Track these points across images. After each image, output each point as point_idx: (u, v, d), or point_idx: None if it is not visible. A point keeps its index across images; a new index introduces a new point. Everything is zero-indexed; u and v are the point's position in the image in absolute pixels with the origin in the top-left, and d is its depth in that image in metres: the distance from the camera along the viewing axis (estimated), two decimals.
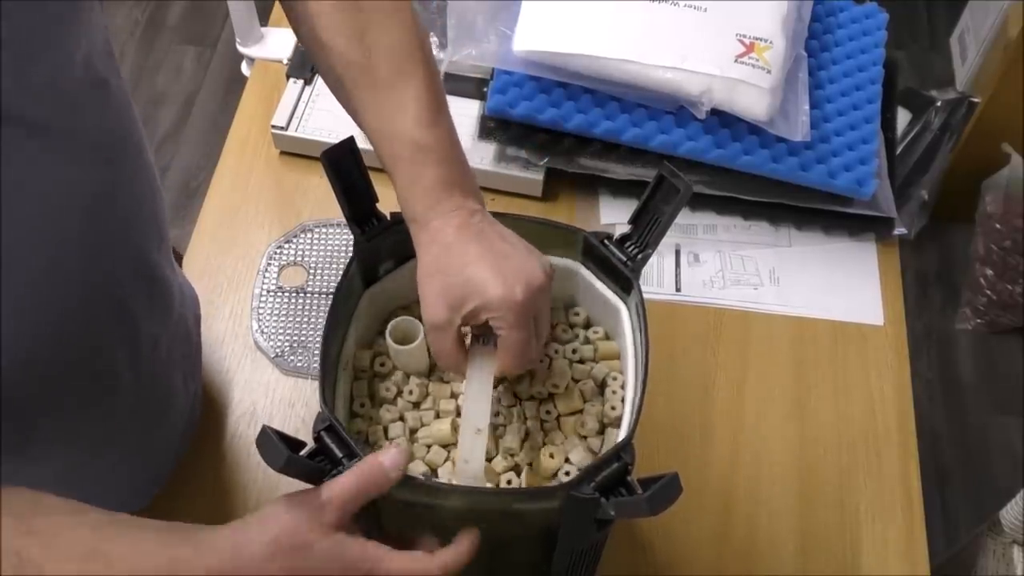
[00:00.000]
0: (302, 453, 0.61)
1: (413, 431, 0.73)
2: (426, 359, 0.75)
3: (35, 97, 0.58)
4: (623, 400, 0.74)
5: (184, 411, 0.89)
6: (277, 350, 1.00)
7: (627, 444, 0.64)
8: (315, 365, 0.99)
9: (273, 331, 1.02)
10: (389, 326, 0.74)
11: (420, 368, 0.76)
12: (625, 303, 0.74)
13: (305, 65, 1.17)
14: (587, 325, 0.79)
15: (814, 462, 0.96)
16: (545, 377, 0.75)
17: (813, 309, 1.05)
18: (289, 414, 0.97)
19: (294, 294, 1.04)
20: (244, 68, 1.30)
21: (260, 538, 0.58)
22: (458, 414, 0.73)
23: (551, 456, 0.71)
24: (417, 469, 0.71)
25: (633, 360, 0.71)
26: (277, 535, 0.58)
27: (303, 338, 1.01)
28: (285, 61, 1.20)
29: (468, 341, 0.70)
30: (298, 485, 0.62)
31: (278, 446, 0.59)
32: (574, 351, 0.77)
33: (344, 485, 0.59)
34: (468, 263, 0.66)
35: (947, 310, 2.03)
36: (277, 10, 1.29)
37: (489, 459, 0.71)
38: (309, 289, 1.04)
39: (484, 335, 0.69)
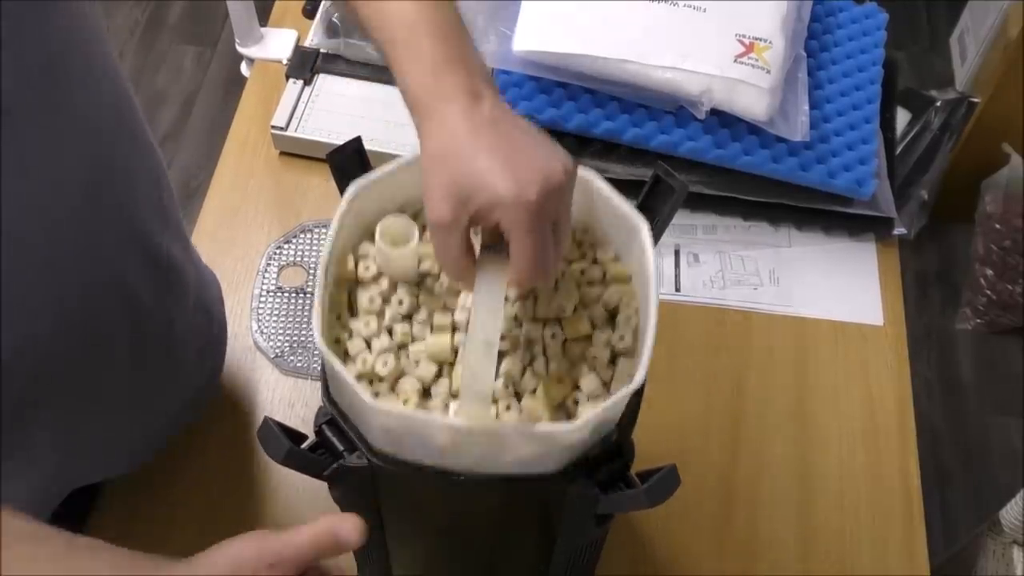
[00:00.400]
0: (303, 446, 0.61)
1: (402, 346, 0.65)
2: (416, 266, 0.67)
3: (28, 87, 0.58)
4: (635, 330, 0.65)
5: (194, 383, 0.90)
6: (277, 350, 1.00)
7: (626, 440, 0.64)
8: (315, 365, 0.99)
9: (273, 331, 1.02)
10: (380, 225, 0.65)
11: (409, 276, 0.67)
12: (646, 221, 0.65)
13: (305, 65, 1.17)
14: (594, 244, 0.70)
15: (814, 462, 0.96)
16: (550, 298, 0.66)
17: (813, 309, 1.05)
18: (289, 414, 0.97)
19: (294, 294, 1.04)
20: (244, 68, 1.30)
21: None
22: (455, 329, 0.65)
23: (559, 381, 0.63)
24: (408, 387, 0.63)
25: (654, 285, 0.62)
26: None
27: (303, 338, 1.01)
28: (285, 61, 1.20)
29: (477, 250, 0.62)
30: (293, 483, 0.61)
31: (280, 438, 0.59)
32: (582, 272, 0.68)
33: (299, 546, 0.55)
34: (478, 153, 0.58)
35: (947, 310, 2.03)
36: (277, 10, 1.29)
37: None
38: (309, 289, 1.04)
39: (495, 244, 0.61)
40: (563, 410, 0.63)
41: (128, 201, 0.72)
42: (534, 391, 0.63)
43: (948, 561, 1.47)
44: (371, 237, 0.66)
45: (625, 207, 0.65)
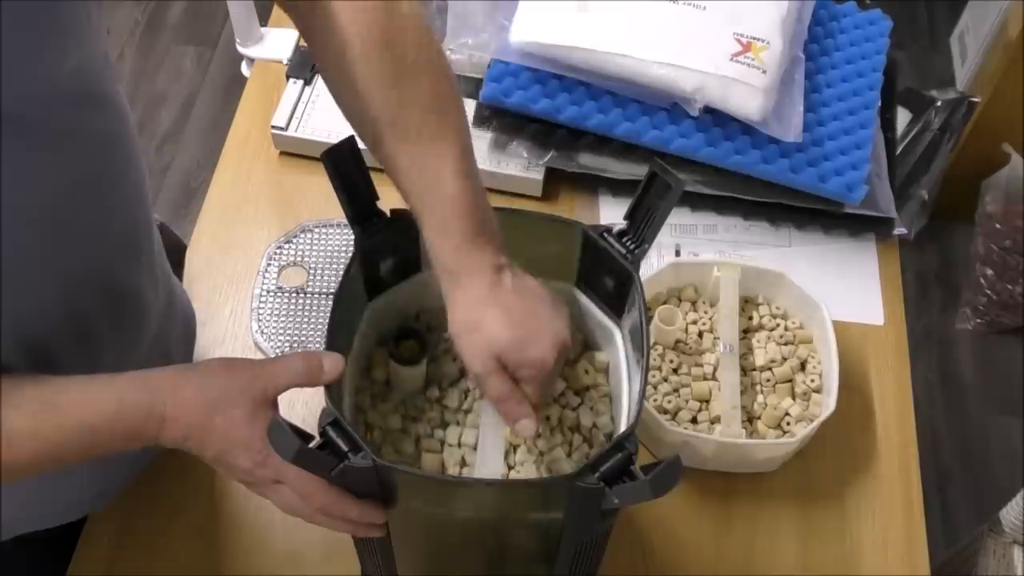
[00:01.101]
0: (310, 446, 0.62)
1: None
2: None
3: (20, 101, 0.58)
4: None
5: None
6: (277, 350, 1.00)
7: (630, 434, 0.64)
8: None
9: (273, 331, 1.02)
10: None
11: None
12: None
13: (305, 65, 1.17)
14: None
15: (814, 462, 0.96)
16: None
17: None
18: (289, 414, 0.96)
19: (294, 294, 1.04)
20: (244, 68, 1.30)
21: (199, 394, 0.67)
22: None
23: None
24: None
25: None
26: (214, 393, 0.67)
27: (303, 338, 1.01)
28: (285, 61, 1.20)
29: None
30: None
31: (290, 437, 0.60)
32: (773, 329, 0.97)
33: (281, 379, 0.69)
34: (508, 325, 0.68)
35: (947, 310, 2.03)
36: (277, 10, 1.29)
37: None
38: (309, 289, 1.04)
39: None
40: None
41: (97, 239, 0.71)
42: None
43: (948, 561, 1.47)
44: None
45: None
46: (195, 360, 0.96)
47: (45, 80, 0.59)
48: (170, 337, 0.87)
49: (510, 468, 0.74)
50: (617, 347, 0.77)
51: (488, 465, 0.70)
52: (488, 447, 0.71)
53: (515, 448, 0.75)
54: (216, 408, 0.67)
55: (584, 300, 0.79)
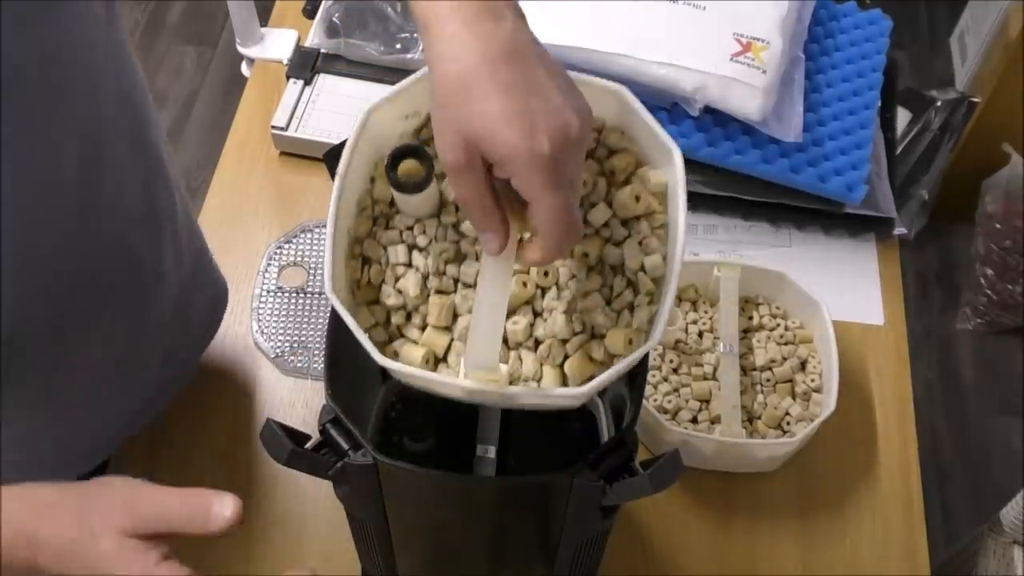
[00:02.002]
0: (307, 446, 0.62)
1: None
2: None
3: (23, 84, 0.58)
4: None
5: (150, 389, 0.88)
6: (277, 350, 1.00)
7: (630, 431, 0.64)
8: (316, 365, 0.99)
9: (273, 331, 1.02)
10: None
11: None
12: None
13: (305, 65, 1.17)
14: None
15: (814, 462, 0.96)
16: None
17: None
18: (289, 414, 0.97)
19: (294, 294, 1.04)
20: (244, 68, 1.30)
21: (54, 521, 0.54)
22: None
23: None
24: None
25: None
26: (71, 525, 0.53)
27: (303, 338, 1.01)
28: (285, 61, 1.20)
29: None
30: (296, 483, 0.61)
31: (282, 439, 0.59)
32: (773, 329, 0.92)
33: (159, 513, 0.54)
34: (490, 93, 0.51)
35: (947, 310, 2.03)
36: (277, 10, 1.29)
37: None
38: (309, 289, 1.04)
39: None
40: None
41: (115, 203, 0.72)
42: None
43: (948, 561, 1.47)
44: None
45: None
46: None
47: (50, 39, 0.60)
48: (193, 305, 0.87)
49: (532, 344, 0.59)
50: (676, 169, 0.61)
51: (479, 317, 0.56)
52: (484, 295, 0.56)
53: (543, 291, 0.60)
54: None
55: (638, 105, 0.61)
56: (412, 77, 0.60)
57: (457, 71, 0.52)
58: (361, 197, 0.63)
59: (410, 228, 0.62)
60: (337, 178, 0.60)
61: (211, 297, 0.95)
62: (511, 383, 0.58)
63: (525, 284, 0.60)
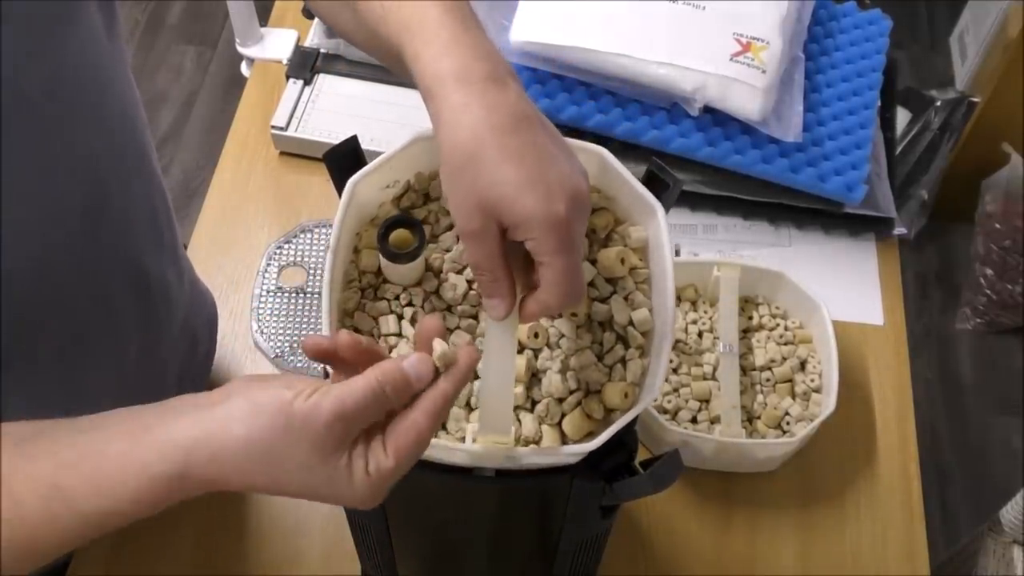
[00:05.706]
0: None
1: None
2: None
3: (27, 109, 0.58)
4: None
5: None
6: (277, 350, 1.00)
7: (630, 430, 0.64)
8: (315, 365, 0.99)
9: (273, 331, 1.02)
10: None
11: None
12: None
13: (305, 65, 1.17)
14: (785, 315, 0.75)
15: (814, 462, 0.96)
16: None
17: None
18: None
19: (294, 294, 1.04)
20: (244, 68, 1.30)
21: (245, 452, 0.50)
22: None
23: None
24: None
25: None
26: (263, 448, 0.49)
27: (303, 338, 1.01)
28: (285, 61, 1.20)
29: None
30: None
31: None
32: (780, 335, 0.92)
33: (355, 400, 0.48)
34: (504, 161, 0.51)
35: (947, 310, 2.03)
36: (277, 10, 1.29)
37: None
38: (309, 289, 1.04)
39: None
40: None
41: (124, 227, 0.72)
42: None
43: (948, 561, 1.47)
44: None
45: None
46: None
47: (54, 59, 0.60)
48: (196, 325, 0.88)
49: (535, 377, 0.61)
50: (659, 224, 0.62)
51: (490, 382, 0.56)
52: (493, 361, 0.57)
53: (536, 353, 0.62)
54: (270, 465, 0.50)
55: (618, 166, 0.64)
56: (392, 150, 0.62)
57: (467, 140, 0.52)
58: (348, 270, 0.64)
59: (397, 297, 0.63)
60: (329, 253, 0.61)
61: (208, 316, 0.96)
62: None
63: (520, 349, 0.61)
